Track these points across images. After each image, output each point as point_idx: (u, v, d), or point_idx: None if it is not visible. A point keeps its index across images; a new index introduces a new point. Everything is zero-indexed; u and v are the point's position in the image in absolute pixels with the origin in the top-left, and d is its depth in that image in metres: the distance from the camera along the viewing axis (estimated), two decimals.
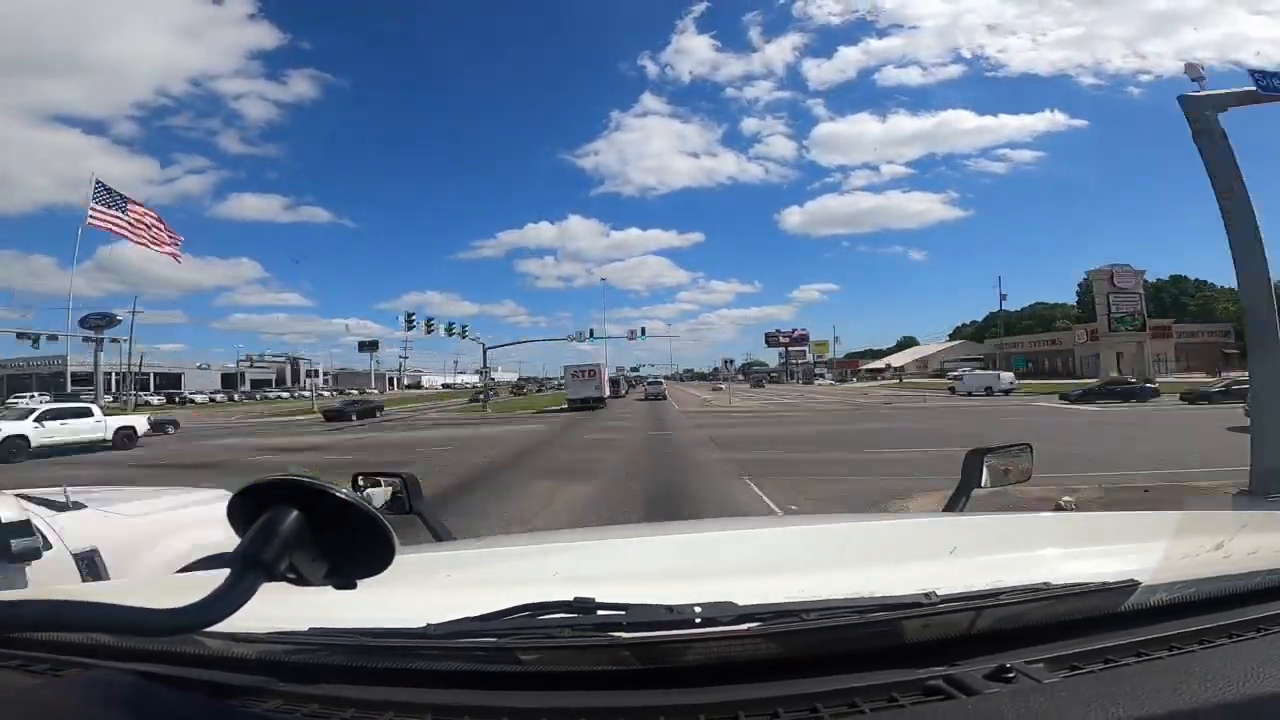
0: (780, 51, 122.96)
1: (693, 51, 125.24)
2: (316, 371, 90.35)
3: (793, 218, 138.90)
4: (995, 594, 0.75)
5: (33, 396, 44.14)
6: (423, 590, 1.11)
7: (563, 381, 42.64)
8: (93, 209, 26.82)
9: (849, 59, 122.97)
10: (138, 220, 28.13)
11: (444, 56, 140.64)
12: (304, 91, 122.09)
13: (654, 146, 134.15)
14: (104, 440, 20.09)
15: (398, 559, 0.56)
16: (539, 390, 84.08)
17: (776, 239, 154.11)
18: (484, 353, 44.44)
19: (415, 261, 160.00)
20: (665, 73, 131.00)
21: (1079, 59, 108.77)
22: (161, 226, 29.40)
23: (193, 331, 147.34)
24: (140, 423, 22.24)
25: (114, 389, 44.00)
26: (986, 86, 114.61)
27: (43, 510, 2.52)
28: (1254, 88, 6.94)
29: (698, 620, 0.71)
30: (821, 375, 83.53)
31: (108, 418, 21.07)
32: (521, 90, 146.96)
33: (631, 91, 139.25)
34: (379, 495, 1.74)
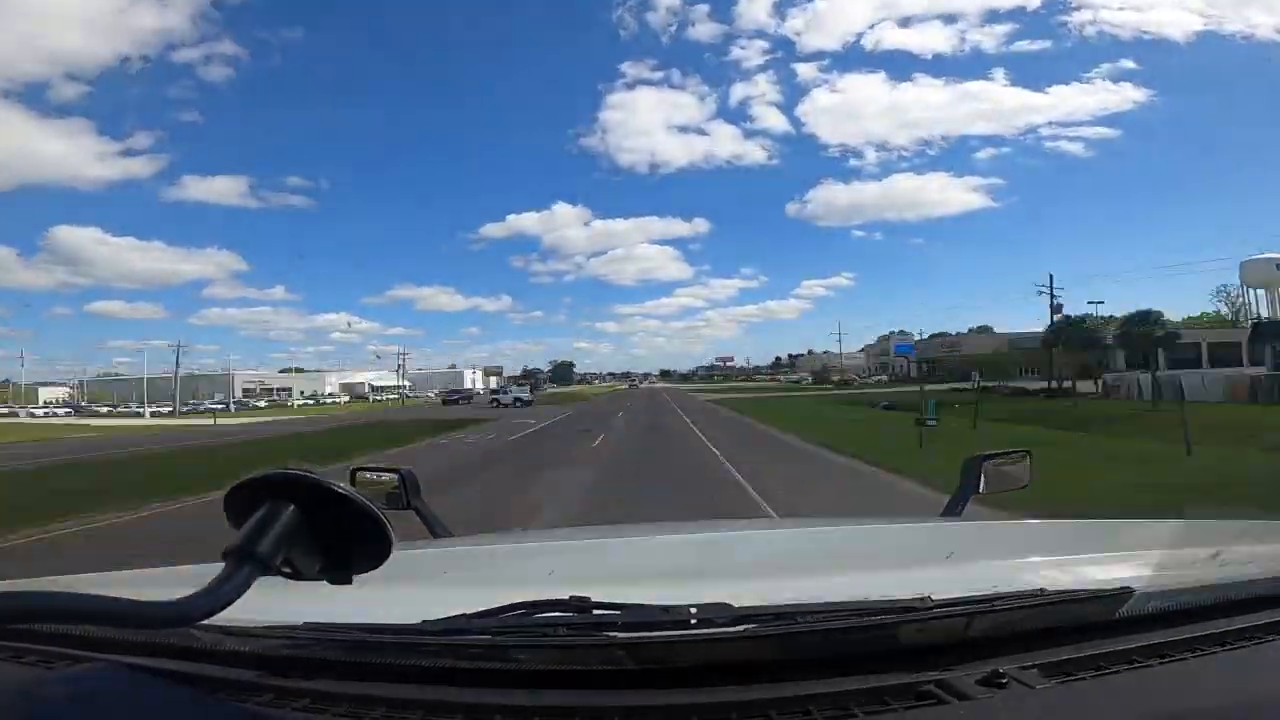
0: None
1: (694, 20, 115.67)
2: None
3: (803, 206, 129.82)
4: (990, 599, 0.75)
5: None
6: (418, 587, 1.11)
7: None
8: None
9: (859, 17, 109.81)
10: None
11: (434, 41, 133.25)
12: (287, 72, 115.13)
13: (655, 138, 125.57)
14: None
15: (394, 555, 0.56)
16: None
17: (783, 229, 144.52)
18: None
19: (404, 255, 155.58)
20: (663, 49, 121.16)
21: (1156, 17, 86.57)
22: None
23: (170, 327, 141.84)
24: None
25: None
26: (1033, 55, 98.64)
27: None
28: None
29: (693, 621, 0.71)
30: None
31: None
32: (515, 74, 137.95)
33: (628, 77, 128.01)
34: (376, 490, 1.74)
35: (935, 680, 0.66)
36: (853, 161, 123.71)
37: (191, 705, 0.67)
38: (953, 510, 1.69)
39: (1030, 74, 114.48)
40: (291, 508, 0.53)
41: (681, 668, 0.67)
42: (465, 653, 0.70)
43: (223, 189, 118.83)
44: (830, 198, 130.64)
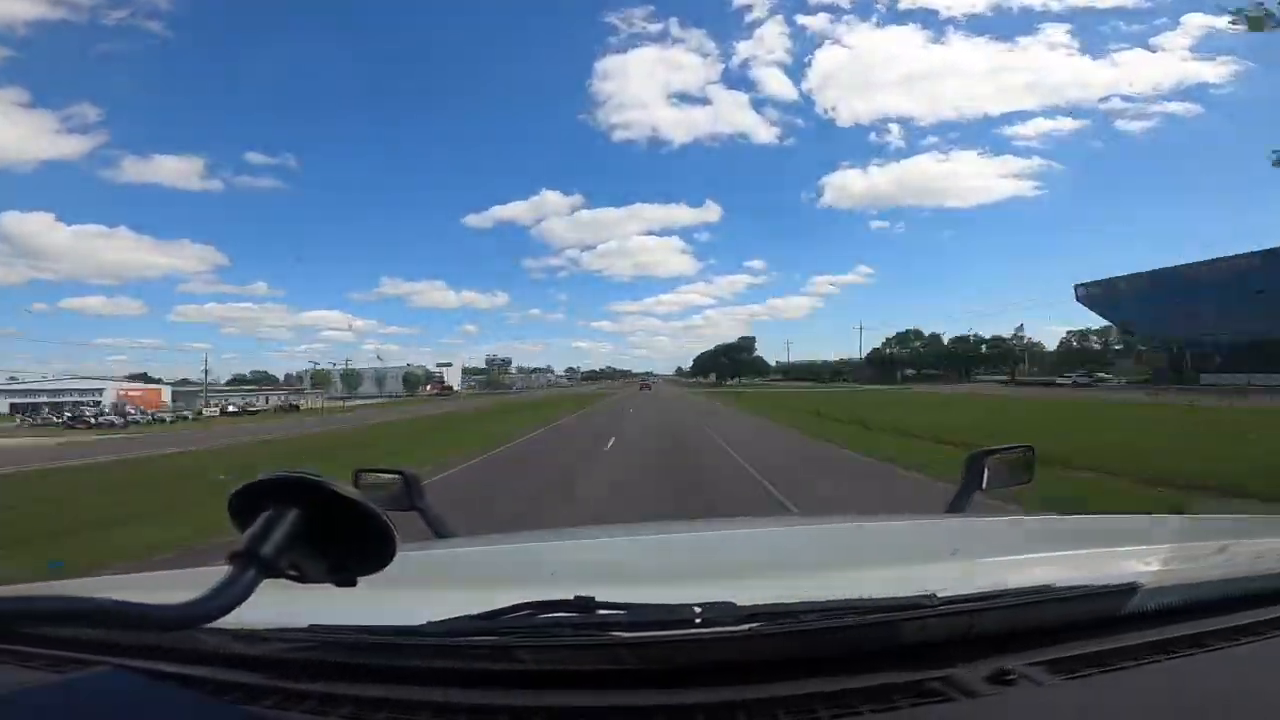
0: None
1: None
2: None
3: (816, 192, 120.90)
4: (996, 596, 0.75)
5: None
6: (423, 588, 1.11)
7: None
8: None
9: None
10: None
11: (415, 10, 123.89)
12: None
13: (654, 110, 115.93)
14: None
15: (399, 556, 0.56)
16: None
17: (794, 218, 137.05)
18: None
19: (392, 247, 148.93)
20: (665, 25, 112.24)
21: None
22: None
23: (147, 324, 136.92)
24: None
25: None
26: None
27: None
28: None
29: (698, 620, 0.71)
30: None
31: None
32: (500, 39, 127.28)
33: (621, 33, 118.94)
34: (380, 492, 1.74)
35: (942, 677, 0.65)
36: (873, 137, 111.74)
37: (197, 708, 0.67)
38: (956, 507, 1.68)
39: (1087, 39, 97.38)
40: (296, 510, 0.53)
41: (687, 667, 0.67)
42: (470, 654, 0.70)
43: (187, 170, 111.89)
44: (845, 183, 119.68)
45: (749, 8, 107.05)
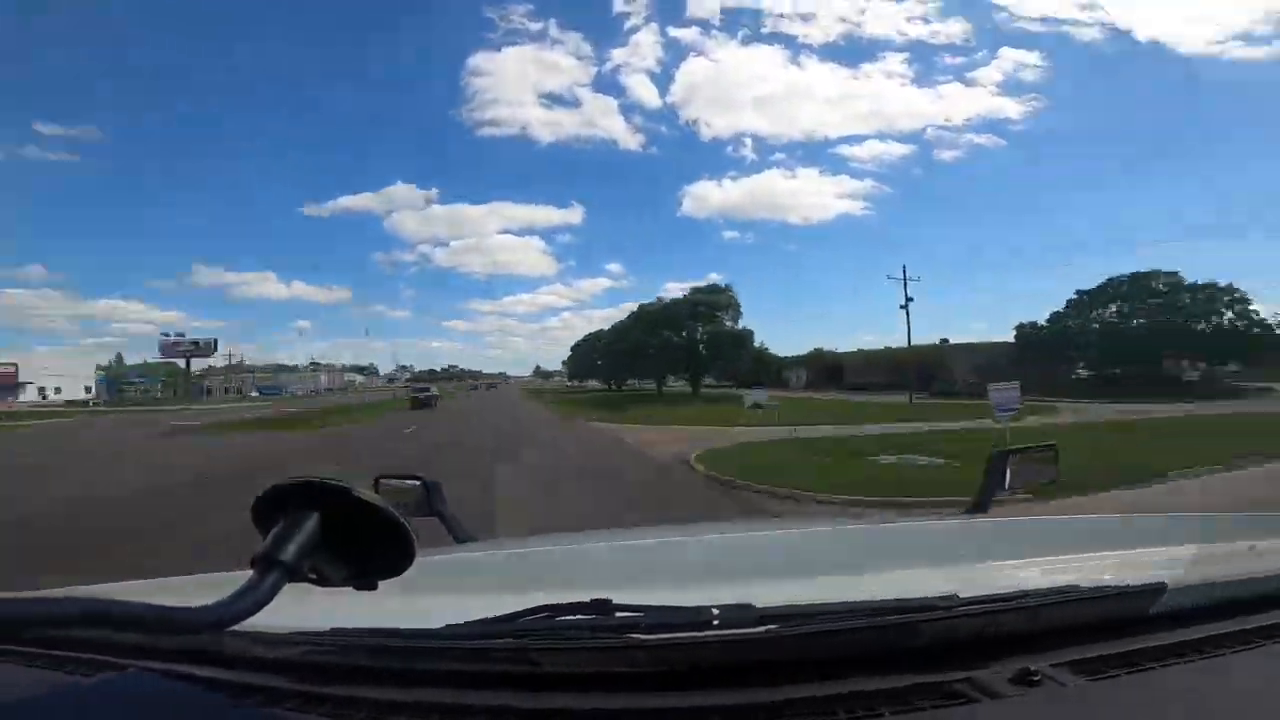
0: None
1: None
2: None
3: (677, 200, 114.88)
4: (1019, 596, 0.74)
5: None
6: (442, 592, 1.12)
7: None
8: None
9: None
10: None
11: None
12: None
13: (526, 110, 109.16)
14: None
15: (418, 561, 0.56)
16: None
17: (653, 224, 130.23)
18: None
19: (214, 232, 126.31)
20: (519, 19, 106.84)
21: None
22: None
23: None
24: None
25: None
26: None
27: None
28: None
29: (716, 622, 0.71)
30: None
31: None
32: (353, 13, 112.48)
33: (498, 29, 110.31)
34: (400, 497, 1.76)
35: (964, 679, 0.65)
36: (729, 151, 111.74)
37: (219, 711, 0.68)
38: (979, 507, 1.66)
39: (932, 69, 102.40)
40: (317, 515, 0.54)
41: (705, 669, 0.67)
42: (488, 656, 0.70)
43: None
44: (704, 193, 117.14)
45: (627, 15, 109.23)
